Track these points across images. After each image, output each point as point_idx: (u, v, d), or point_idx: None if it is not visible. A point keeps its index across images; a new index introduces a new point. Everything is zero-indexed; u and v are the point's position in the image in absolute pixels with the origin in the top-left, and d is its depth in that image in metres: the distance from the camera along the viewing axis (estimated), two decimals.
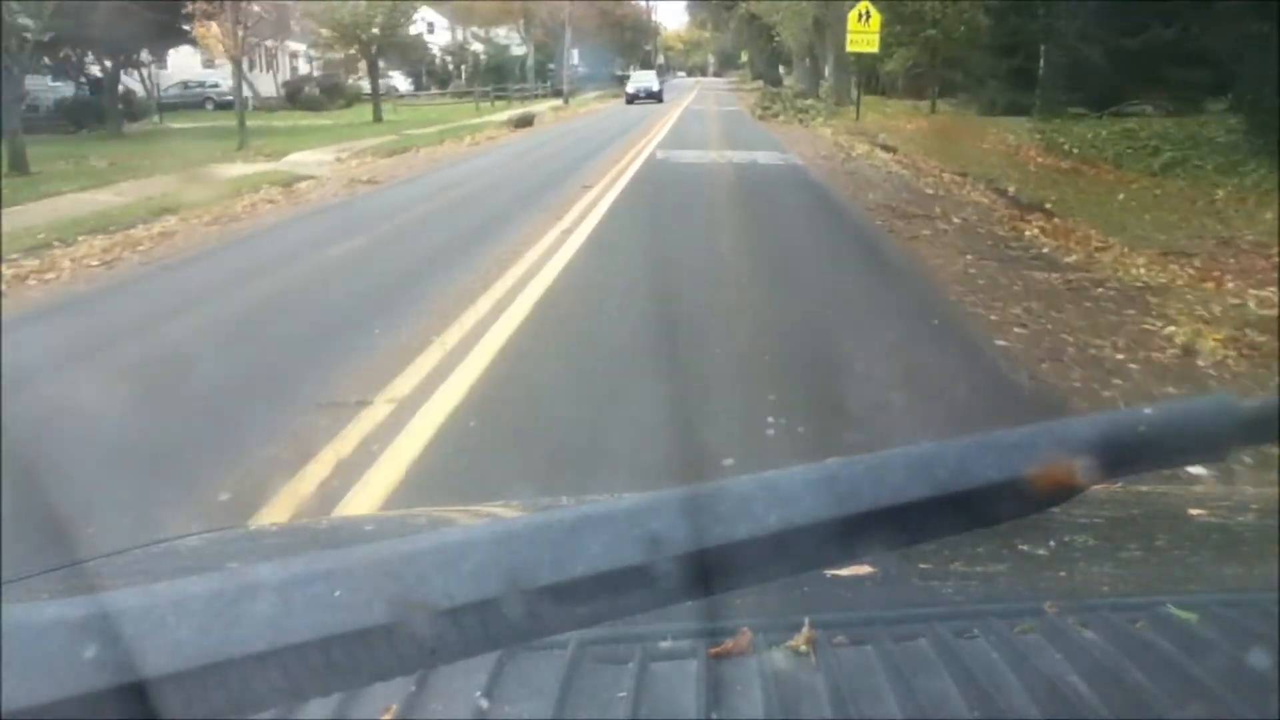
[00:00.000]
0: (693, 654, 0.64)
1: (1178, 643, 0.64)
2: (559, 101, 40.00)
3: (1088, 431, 0.41)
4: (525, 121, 25.21)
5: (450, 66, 48.86)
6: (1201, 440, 0.42)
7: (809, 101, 28.73)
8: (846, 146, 16.99)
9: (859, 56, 25.30)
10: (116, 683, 0.31)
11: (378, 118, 27.92)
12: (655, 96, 39.05)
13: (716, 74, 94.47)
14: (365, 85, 41.01)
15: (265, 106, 34.45)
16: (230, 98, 36.01)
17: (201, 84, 36.76)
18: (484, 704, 0.60)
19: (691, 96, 45.12)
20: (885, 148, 16.18)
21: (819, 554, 0.39)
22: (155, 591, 0.34)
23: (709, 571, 0.37)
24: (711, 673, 0.62)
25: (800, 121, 24.25)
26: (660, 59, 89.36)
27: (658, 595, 0.36)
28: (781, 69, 55.93)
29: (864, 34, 21.09)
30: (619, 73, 66.68)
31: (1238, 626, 0.65)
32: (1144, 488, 1.20)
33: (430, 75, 48.27)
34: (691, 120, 26.55)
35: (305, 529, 1.63)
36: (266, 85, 38.01)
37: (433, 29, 53.48)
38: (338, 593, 0.34)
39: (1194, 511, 1.10)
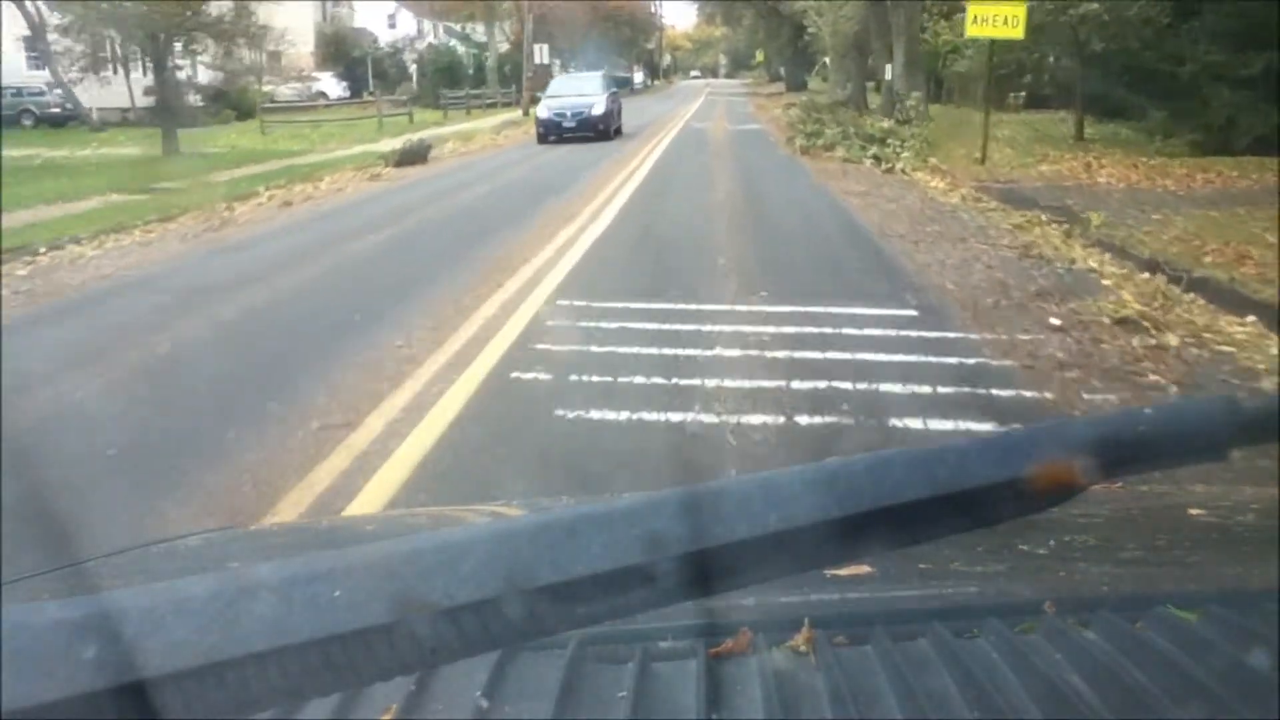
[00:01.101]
0: (693, 654, 0.64)
1: (1178, 643, 0.63)
2: (519, 114, 29.85)
3: (1088, 431, 0.41)
4: (414, 156, 16.21)
5: (411, 67, 40.99)
6: (1201, 440, 0.42)
7: (885, 124, 17.22)
8: (1081, 270, 6.42)
9: (927, 56, 19.31)
10: (116, 683, 0.31)
11: (170, 148, 17.95)
12: (594, 126, 19.96)
13: (728, 75, 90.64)
14: (286, 91, 33.13)
15: (112, 121, 25.90)
16: (56, 110, 25.70)
17: (19, 91, 26.79)
18: (484, 704, 0.60)
19: (696, 106, 34.18)
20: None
21: (819, 554, 0.39)
22: (155, 591, 0.34)
23: (709, 571, 0.37)
24: (711, 673, 0.62)
25: (877, 161, 13.71)
26: (667, 59, 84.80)
27: (658, 595, 0.36)
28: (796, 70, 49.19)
29: (997, 11, 12.69)
30: (620, 74, 58.42)
31: (1238, 626, 0.65)
32: (1144, 488, 1.20)
33: (380, 78, 39.57)
34: (685, 158, 15.74)
35: (305, 529, 1.63)
36: (117, 94, 27.19)
37: (394, 23, 46.06)
38: (338, 593, 0.34)
39: (1194, 511, 1.10)
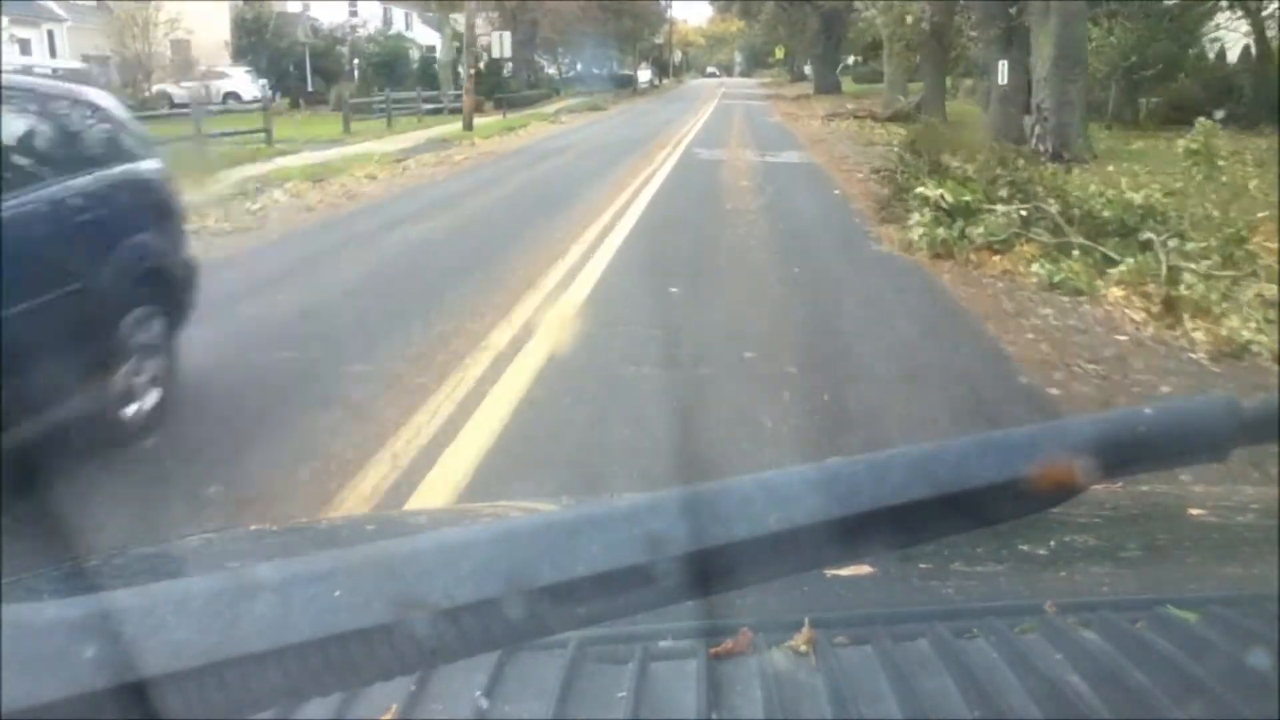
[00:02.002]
0: (693, 654, 0.64)
1: (1178, 643, 0.64)
2: (457, 126, 20.91)
3: (1088, 431, 0.41)
4: None
5: (358, 64, 32.82)
6: (1201, 440, 0.42)
7: (1134, 196, 6.61)
8: None
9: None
10: (116, 683, 0.31)
11: None
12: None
13: (743, 74, 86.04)
14: (180, 93, 24.82)
15: None
16: None
17: None
18: (484, 704, 0.60)
19: (705, 115, 26.55)
20: None
21: (819, 554, 0.39)
22: (155, 591, 0.34)
23: (709, 571, 0.37)
24: (711, 673, 0.62)
25: (1164, 314, 4.99)
26: (677, 55, 79.91)
27: (658, 595, 0.36)
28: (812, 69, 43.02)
29: None
30: (625, 72, 52.27)
31: (1238, 626, 0.65)
32: (1144, 488, 1.20)
33: (321, 75, 31.96)
34: (660, 303, 5.50)
35: (305, 529, 1.63)
36: None
37: (356, 9, 37.69)
38: (338, 593, 0.34)
39: (1194, 511, 1.10)
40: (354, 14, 37.00)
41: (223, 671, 0.32)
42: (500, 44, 28.46)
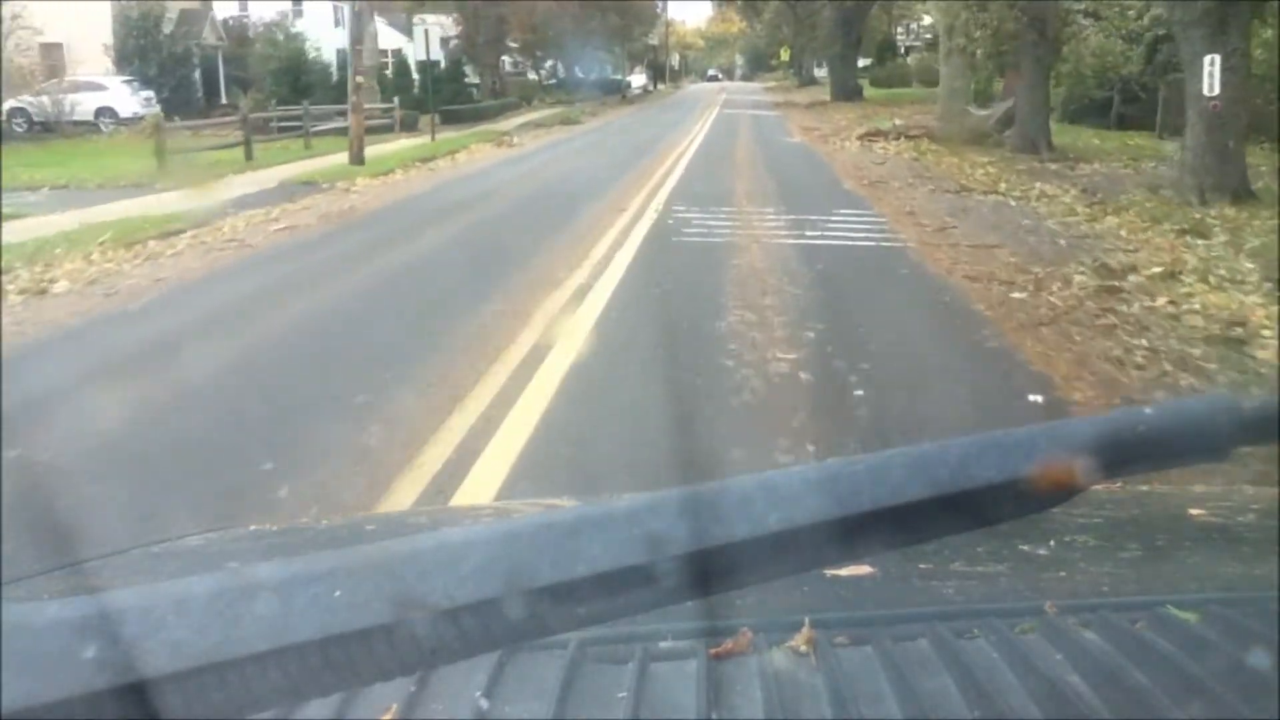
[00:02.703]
0: (693, 654, 0.64)
1: (1178, 643, 0.64)
2: (342, 159, 15.38)
3: (1088, 431, 0.41)
4: None
5: (270, 71, 26.86)
6: (1201, 440, 0.42)
7: None
8: None
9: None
10: (116, 683, 0.31)
11: None
12: None
13: (744, 77, 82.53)
14: (27, 109, 20.98)
15: None
16: None
17: None
18: (484, 704, 0.60)
19: (702, 131, 21.14)
20: None
21: (819, 554, 0.39)
22: (155, 591, 0.34)
23: (709, 571, 0.37)
24: (711, 673, 0.62)
25: None
26: (675, 58, 77.18)
27: (658, 595, 0.36)
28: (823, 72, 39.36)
29: None
30: (617, 76, 47.33)
31: (1238, 626, 0.65)
32: (1144, 488, 1.20)
33: (238, 83, 26.88)
34: None
35: (305, 529, 1.63)
36: None
37: (300, 9, 31.25)
38: (338, 593, 0.34)
39: (1194, 511, 1.10)
40: (299, 13, 31.21)
41: (223, 671, 0.32)
42: (426, 42, 21.75)
